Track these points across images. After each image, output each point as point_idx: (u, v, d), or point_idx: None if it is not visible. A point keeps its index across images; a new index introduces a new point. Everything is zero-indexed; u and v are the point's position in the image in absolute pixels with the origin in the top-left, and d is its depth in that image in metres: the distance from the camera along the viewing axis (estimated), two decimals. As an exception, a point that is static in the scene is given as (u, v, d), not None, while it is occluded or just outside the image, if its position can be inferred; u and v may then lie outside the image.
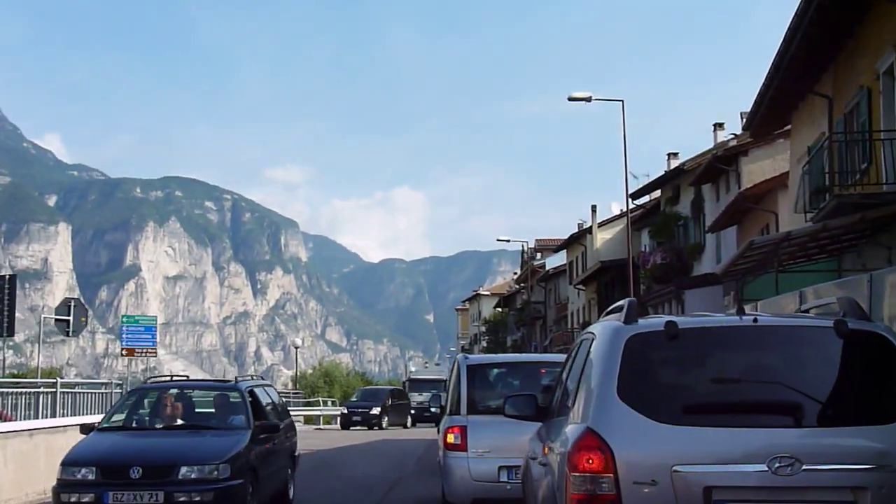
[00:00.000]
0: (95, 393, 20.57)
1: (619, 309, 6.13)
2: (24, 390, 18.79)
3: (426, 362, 62.27)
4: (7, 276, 26.19)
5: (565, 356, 7.92)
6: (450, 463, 11.53)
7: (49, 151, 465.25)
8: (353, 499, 15.47)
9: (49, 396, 18.27)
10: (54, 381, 18.37)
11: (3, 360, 25.89)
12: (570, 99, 30.99)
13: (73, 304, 25.94)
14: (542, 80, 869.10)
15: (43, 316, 25.46)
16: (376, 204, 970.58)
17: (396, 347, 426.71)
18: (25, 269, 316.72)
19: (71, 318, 25.80)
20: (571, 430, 5.70)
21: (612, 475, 5.23)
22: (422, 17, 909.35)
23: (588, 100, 30.87)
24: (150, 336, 43.67)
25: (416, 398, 52.75)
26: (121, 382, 22.37)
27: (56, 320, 26.13)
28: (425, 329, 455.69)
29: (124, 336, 43.49)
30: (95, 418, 17.57)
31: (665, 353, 5.70)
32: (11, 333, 25.55)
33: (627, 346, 5.64)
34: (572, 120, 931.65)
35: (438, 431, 12.69)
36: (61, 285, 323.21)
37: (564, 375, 7.19)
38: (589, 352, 6.18)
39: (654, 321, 5.90)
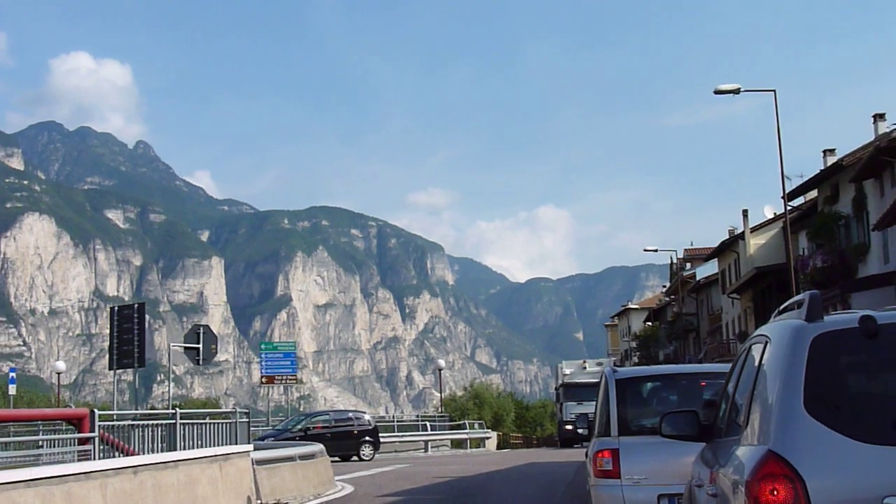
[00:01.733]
0: (221, 423, 19.46)
1: (799, 305, 5.09)
2: (145, 422, 17.81)
3: (584, 361, 56.12)
4: (136, 305, 25.62)
5: (729, 365, 6.79)
6: (601, 493, 9.81)
7: (200, 188, 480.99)
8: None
9: (168, 429, 17.19)
10: (173, 411, 17.29)
11: (135, 390, 25.22)
12: (717, 92, 28.98)
13: (201, 331, 25.16)
14: (685, 91, 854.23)
15: (171, 345, 24.86)
16: (521, 223, 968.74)
17: (547, 367, 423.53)
18: (182, 304, 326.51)
19: (200, 345, 25.03)
20: (748, 453, 4.72)
21: None
22: (560, 32, 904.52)
23: (737, 91, 28.80)
24: (289, 363, 43.30)
25: (574, 409, 45.16)
26: (247, 411, 21.28)
27: (185, 349, 25.34)
28: (575, 347, 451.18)
29: (263, 364, 43.21)
30: (216, 451, 16.46)
31: (862, 356, 4.77)
32: (142, 364, 24.95)
33: (814, 347, 4.66)
34: (718, 129, 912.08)
35: (587, 455, 10.96)
36: (217, 318, 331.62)
37: (731, 388, 6.12)
38: (762, 358, 5.15)
39: (844, 317, 4.90)
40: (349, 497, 19.04)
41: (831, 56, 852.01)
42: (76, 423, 16.00)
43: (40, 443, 17.84)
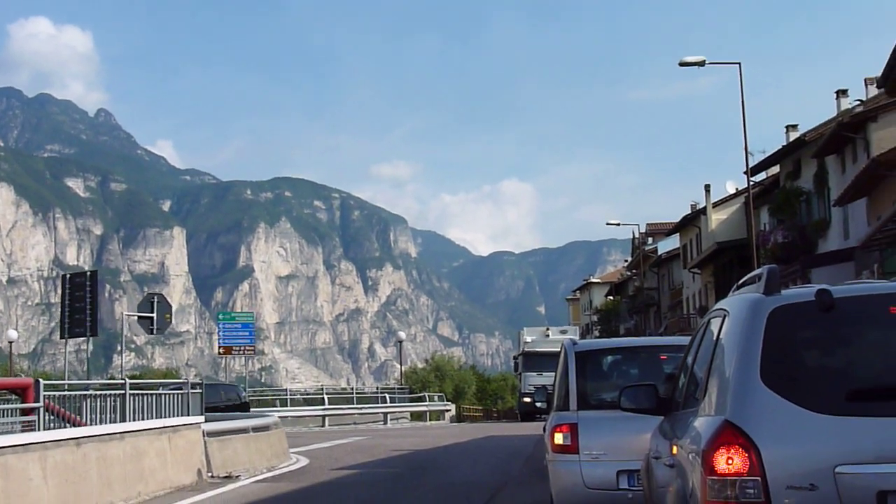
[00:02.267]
0: (173, 394, 19.05)
1: (757, 279, 5.15)
2: (94, 393, 17.38)
3: (547, 329, 52.41)
4: (88, 273, 25.12)
5: (689, 338, 6.80)
6: (558, 468, 9.51)
7: (162, 157, 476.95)
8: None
9: (118, 400, 16.77)
10: (122, 381, 16.89)
11: (88, 359, 24.69)
12: (682, 64, 28.66)
13: (155, 300, 24.69)
14: (648, 66, 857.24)
15: (125, 314, 24.32)
16: (484, 197, 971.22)
17: (508, 340, 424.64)
18: (144, 273, 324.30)
19: (155, 314, 24.56)
20: (705, 424, 4.78)
21: (758, 478, 4.33)
22: (524, 5, 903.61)
23: (702, 63, 28.51)
24: (247, 333, 42.83)
25: (534, 380, 41.89)
26: (200, 382, 20.88)
27: (139, 317, 24.88)
28: (537, 320, 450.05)
29: (221, 334, 42.69)
30: (164, 422, 16.07)
31: (818, 329, 4.82)
32: (94, 333, 24.47)
33: (771, 320, 4.73)
34: (681, 105, 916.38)
35: (544, 430, 10.64)
36: (178, 288, 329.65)
37: (690, 360, 6.13)
38: (720, 331, 5.18)
39: (801, 291, 4.98)
40: (303, 470, 18.74)
41: (795, 33, 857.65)
42: (20, 392, 15.52)
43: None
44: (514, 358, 46.67)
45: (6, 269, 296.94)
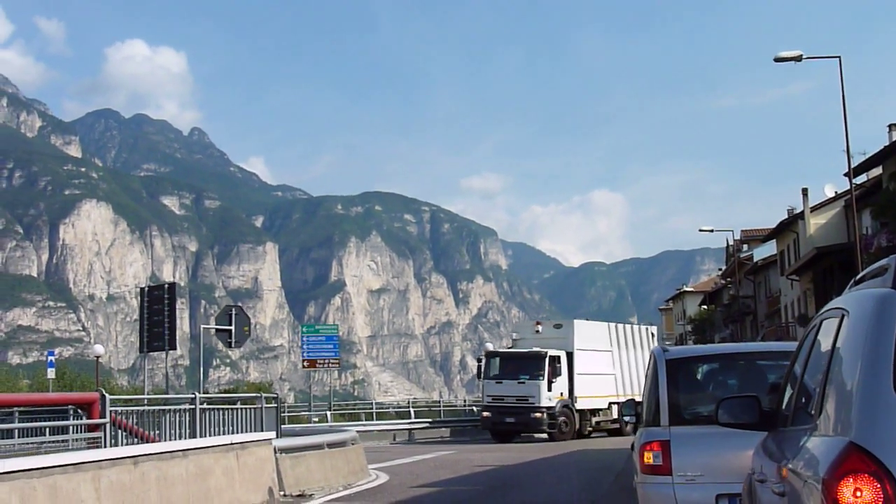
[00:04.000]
0: (246, 409, 18.43)
1: (882, 271, 4.30)
2: (167, 408, 16.82)
3: (538, 323, 39.37)
4: (166, 286, 24.69)
5: (795, 344, 6.07)
6: (649, 491, 8.47)
7: (254, 174, 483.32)
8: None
9: (187, 415, 16.18)
10: (192, 396, 16.28)
11: (166, 375, 24.26)
12: (778, 59, 27.33)
13: (233, 312, 24.11)
14: (737, 72, 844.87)
15: (203, 327, 23.83)
16: (575, 207, 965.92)
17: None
18: (238, 289, 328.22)
19: (233, 327, 23.98)
20: (823, 446, 3.93)
21: None
22: (610, 16, 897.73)
23: (799, 59, 27.13)
24: (331, 346, 42.24)
25: (492, 389, 36.47)
26: (275, 396, 20.24)
27: (217, 330, 24.34)
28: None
29: (305, 347, 42.20)
30: (231, 438, 15.37)
31: None
32: (173, 347, 24.00)
33: None
34: (772, 109, 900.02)
35: (632, 448, 9.62)
36: (271, 303, 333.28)
37: (799, 369, 5.30)
38: (838, 334, 4.30)
39: None
40: (380, 488, 17.90)
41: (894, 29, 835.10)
42: (86, 408, 14.98)
43: (44, 430, 16.92)
44: (478, 361, 38.77)
45: (105, 286, 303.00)
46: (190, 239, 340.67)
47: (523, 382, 35.84)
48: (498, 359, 38.04)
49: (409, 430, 40.36)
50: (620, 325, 42.36)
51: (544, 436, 36.80)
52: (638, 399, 34.25)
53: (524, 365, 36.40)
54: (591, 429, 38.50)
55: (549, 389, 35.81)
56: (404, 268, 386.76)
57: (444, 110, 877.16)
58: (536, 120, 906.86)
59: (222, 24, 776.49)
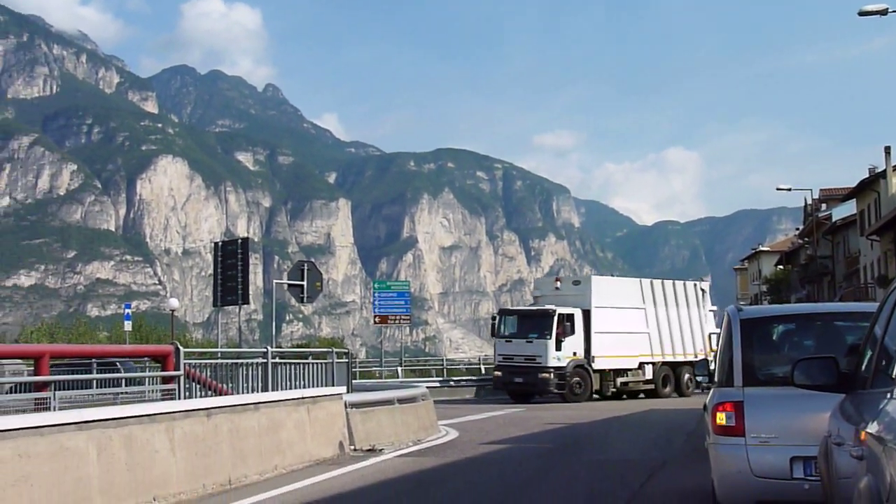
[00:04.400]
0: (317, 364, 18.54)
1: None
2: (239, 361, 16.98)
3: (558, 279, 38.75)
4: (239, 241, 24.89)
5: (877, 305, 5.80)
6: (721, 453, 8.30)
7: (327, 131, 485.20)
8: (603, 490, 12.49)
9: (259, 368, 16.32)
10: (265, 350, 16.41)
11: (239, 329, 24.52)
12: (862, 13, 26.59)
13: (305, 267, 24.25)
14: (820, 27, 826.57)
15: (275, 281, 23.94)
16: (649, 165, 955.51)
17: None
18: (310, 245, 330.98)
19: (305, 282, 24.13)
20: None
21: None
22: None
23: (884, 13, 26.34)
24: (402, 302, 42.36)
25: (504, 349, 35.71)
26: (346, 351, 20.37)
27: (289, 286, 24.54)
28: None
29: (376, 303, 42.36)
30: (303, 392, 15.47)
31: None
32: (246, 301, 24.26)
33: None
34: (853, 66, 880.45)
35: (705, 408, 9.45)
36: (344, 259, 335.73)
37: (880, 331, 5.10)
38: None
39: None
40: (450, 444, 17.94)
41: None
42: (161, 360, 15.17)
43: (121, 381, 17.20)
44: (492, 318, 37.74)
45: (181, 241, 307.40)
46: (264, 195, 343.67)
47: (531, 341, 34.58)
48: (510, 317, 36.92)
49: (479, 386, 40.42)
50: (658, 281, 39.57)
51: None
52: (687, 358, 33.49)
53: (533, 323, 35.11)
54: (614, 390, 36.49)
55: (558, 349, 34.16)
56: (476, 225, 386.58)
57: (519, 66, 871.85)
58: (612, 77, 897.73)
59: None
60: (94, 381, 17.36)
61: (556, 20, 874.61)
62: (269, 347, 16.45)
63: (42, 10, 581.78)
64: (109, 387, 16.53)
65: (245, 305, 24.28)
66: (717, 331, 38.29)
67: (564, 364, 34.39)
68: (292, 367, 17.29)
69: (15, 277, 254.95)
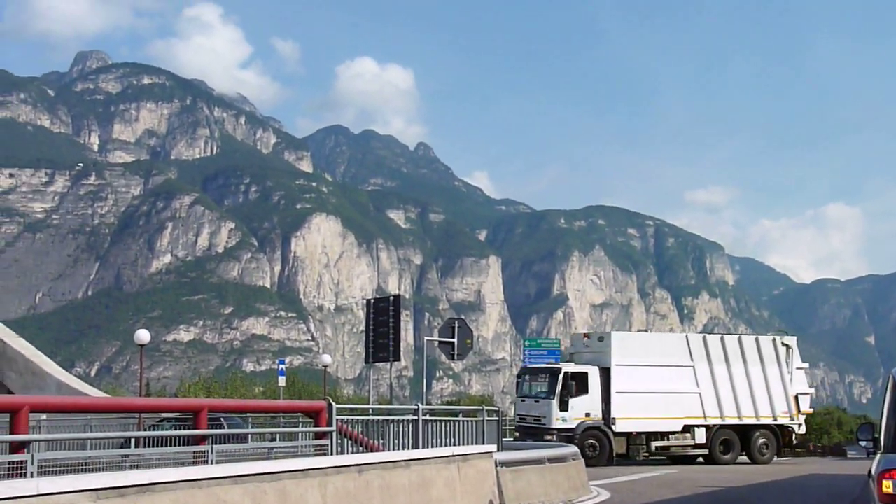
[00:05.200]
0: (468, 422, 18.50)
1: None
2: (390, 418, 17.08)
3: (586, 335, 36.22)
4: (391, 298, 25.15)
5: None
6: None
7: (478, 188, 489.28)
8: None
9: (410, 426, 16.37)
10: (416, 407, 16.48)
11: (390, 385, 24.70)
12: None
13: (456, 325, 24.37)
14: None
15: (427, 339, 24.22)
16: (808, 222, 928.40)
17: (834, 372, 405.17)
18: (461, 302, 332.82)
19: (456, 340, 24.24)
20: None
21: None
22: (850, 24, 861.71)
23: None
24: (553, 360, 42.09)
25: (522, 408, 34.27)
26: (497, 409, 20.29)
27: (440, 343, 24.64)
28: (866, 352, 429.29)
29: (527, 361, 42.25)
30: (453, 450, 15.44)
31: None
32: (397, 358, 24.46)
33: None
34: None
35: (869, 475, 9.03)
36: (494, 316, 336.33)
37: None
38: None
39: None
40: (602, 505, 17.64)
41: None
42: (314, 416, 15.38)
43: (275, 436, 17.48)
44: (517, 377, 36.24)
45: (334, 297, 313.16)
46: (415, 252, 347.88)
47: (538, 401, 32.77)
48: (528, 375, 35.24)
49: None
50: (715, 337, 36.43)
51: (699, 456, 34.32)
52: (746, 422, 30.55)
53: (543, 382, 33.34)
54: (647, 454, 33.76)
55: (563, 409, 31.94)
56: (627, 282, 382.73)
57: (672, 122, 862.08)
58: (769, 131, 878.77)
59: (449, 42, 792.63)
60: (249, 436, 17.73)
61: (711, 73, 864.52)
62: (419, 404, 16.49)
63: (204, 74, 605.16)
64: (265, 441, 16.85)
65: (396, 362, 24.45)
66: (807, 391, 36.48)
67: (572, 426, 32.07)
68: (443, 424, 17.30)
69: (175, 333, 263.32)
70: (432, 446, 16.18)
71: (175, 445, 13.17)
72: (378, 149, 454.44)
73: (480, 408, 19.33)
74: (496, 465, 16.13)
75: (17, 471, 9.36)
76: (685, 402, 33.54)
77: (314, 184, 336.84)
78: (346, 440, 15.31)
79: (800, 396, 34.89)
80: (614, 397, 32.72)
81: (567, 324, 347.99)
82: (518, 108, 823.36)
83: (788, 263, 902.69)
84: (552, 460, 18.49)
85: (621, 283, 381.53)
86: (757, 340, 36.15)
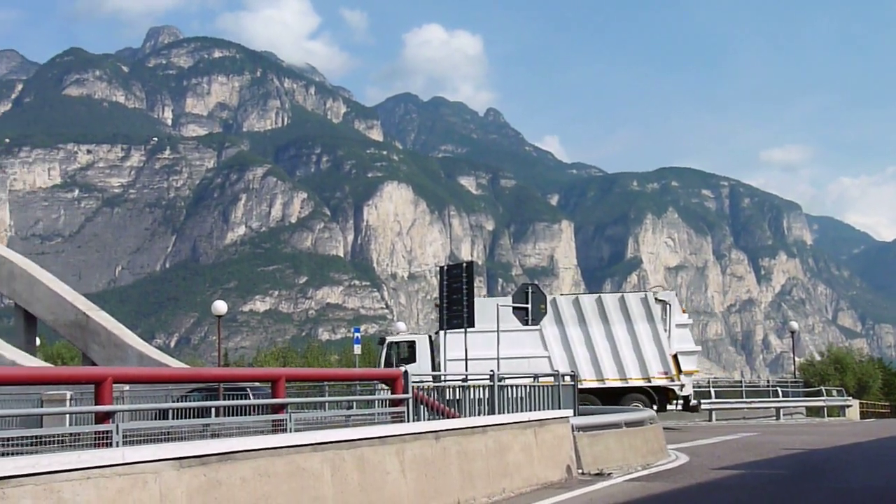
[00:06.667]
0: (544, 387, 18.47)
1: None
2: (467, 384, 17.13)
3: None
4: (464, 265, 25.11)
5: None
6: None
7: (549, 153, 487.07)
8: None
9: (485, 391, 16.40)
10: (491, 373, 16.48)
11: (465, 352, 24.71)
12: None
13: (530, 290, 24.24)
14: None
15: (499, 305, 24.24)
16: (888, 178, 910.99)
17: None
18: (534, 267, 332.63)
19: (530, 305, 24.11)
20: None
21: None
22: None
23: None
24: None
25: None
26: (572, 374, 20.24)
27: (514, 308, 24.56)
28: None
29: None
30: (529, 416, 15.44)
31: None
32: (471, 324, 24.36)
33: None
34: None
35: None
36: (567, 281, 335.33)
37: None
38: None
39: None
40: (680, 469, 17.49)
41: None
42: (390, 383, 15.46)
43: (352, 403, 17.62)
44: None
45: (407, 265, 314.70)
46: (487, 218, 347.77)
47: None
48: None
49: (710, 410, 39.40)
50: (569, 297, 33.63)
51: None
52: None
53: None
54: None
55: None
56: (702, 244, 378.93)
57: (748, 81, 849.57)
58: (847, 87, 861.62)
59: (517, 6, 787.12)
60: (326, 404, 17.90)
61: (786, 30, 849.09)
62: (494, 370, 16.49)
63: (274, 46, 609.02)
64: (342, 409, 17.01)
65: (470, 328, 24.43)
66: (691, 349, 33.61)
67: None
68: (518, 389, 17.29)
69: (251, 303, 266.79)
70: (508, 412, 16.20)
71: (253, 414, 13.35)
72: (448, 115, 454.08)
73: (556, 372, 19.28)
74: (573, 430, 16.09)
75: (103, 440, 9.54)
76: (533, 367, 29.85)
77: (385, 152, 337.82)
78: (422, 407, 15.38)
79: (681, 355, 32.06)
80: (445, 365, 30.35)
81: (641, 287, 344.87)
82: (588, 71, 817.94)
83: (869, 221, 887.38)
84: (629, 424, 18.39)
85: (696, 245, 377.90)
86: (622, 298, 33.32)
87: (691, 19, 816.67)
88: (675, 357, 32.00)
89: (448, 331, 29.44)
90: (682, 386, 32.36)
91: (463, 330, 30.16)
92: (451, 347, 30.22)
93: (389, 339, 33.64)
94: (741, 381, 52.65)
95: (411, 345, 32.83)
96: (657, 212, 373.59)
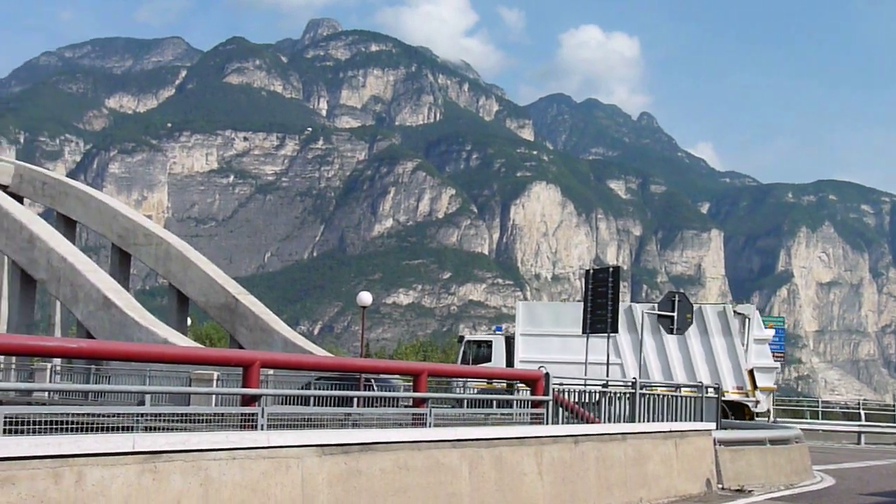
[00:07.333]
0: (686, 398, 18.17)
1: None
2: (608, 389, 16.97)
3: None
4: (610, 269, 24.86)
5: None
6: None
7: (701, 160, 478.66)
8: None
9: (626, 398, 16.21)
10: (633, 380, 16.30)
11: (607, 357, 24.52)
12: None
13: (676, 298, 23.81)
14: None
15: (644, 311, 23.87)
16: None
17: None
18: (680, 275, 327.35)
19: (675, 314, 23.69)
20: None
21: None
22: None
23: None
24: (777, 339, 40.80)
25: None
26: (716, 386, 19.82)
27: (659, 316, 24.19)
28: None
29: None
30: (671, 426, 15.19)
31: None
32: (615, 330, 24.11)
33: None
34: None
35: None
36: (713, 290, 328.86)
37: None
38: None
39: None
40: (825, 491, 16.95)
41: None
42: (531, 384, 15.42)
43: (492, 402, 17.61)
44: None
45: (551, 266, 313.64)
46: (634, 223, 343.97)
47: None
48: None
49: (859, 433, 38.06)
50: (645, 306, 32.19)
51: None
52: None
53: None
54: None
55: None
56: (858, 261, 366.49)
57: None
58: None
59: (677, 10, 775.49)
60: (465, 402, 17.96)
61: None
62: (636, 378, 16.29)
63: (430, 41, 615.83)
64: (481, 407, 17.04)
65: (614, 334, 24.20)
66: (769, 365, 31.87)
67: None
68: (660, 399, 17.04)
69: (395, 295, 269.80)
70: (648, 420, 15.98)
71: (393, 406, 13.47)
72: (600, 118, 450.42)
73: (699, 384, 18.93)
74: (715, 444, 15.77)
75: (249, 423, 9.76)
76: (604, 374, 28.16)
77: (535, 152, 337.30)
78: (561, 410, 15.29)
79: (757, 371, 31.04)
80: (518, 366, 31.02)
81: (791, 301, 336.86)
82: (746, 79, 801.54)
83: None
84: (773, 441, 17.93)
85: (852, 262, 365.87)
86: (700, 310, 32.08)
87: (859, 32, 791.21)
88: (751, 372, 31.19)
89: (523, 334, 32.11)
90: (758, 402, 31.41)
91: (541, 334, 31.13)
92: (524, 349, 31.99)
93: (468, 337, 34.78)
94: (893, 405, 50.75)
95: (488, 344, 33.60)
96: (812, 225, 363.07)
